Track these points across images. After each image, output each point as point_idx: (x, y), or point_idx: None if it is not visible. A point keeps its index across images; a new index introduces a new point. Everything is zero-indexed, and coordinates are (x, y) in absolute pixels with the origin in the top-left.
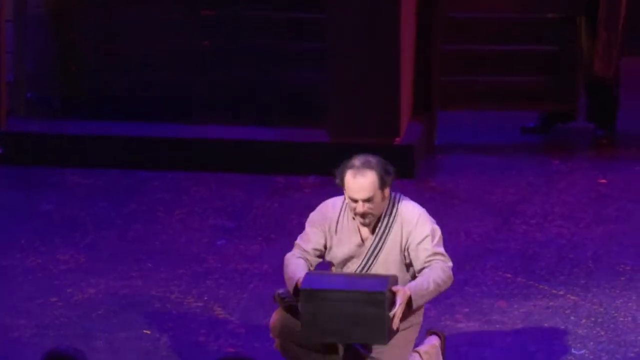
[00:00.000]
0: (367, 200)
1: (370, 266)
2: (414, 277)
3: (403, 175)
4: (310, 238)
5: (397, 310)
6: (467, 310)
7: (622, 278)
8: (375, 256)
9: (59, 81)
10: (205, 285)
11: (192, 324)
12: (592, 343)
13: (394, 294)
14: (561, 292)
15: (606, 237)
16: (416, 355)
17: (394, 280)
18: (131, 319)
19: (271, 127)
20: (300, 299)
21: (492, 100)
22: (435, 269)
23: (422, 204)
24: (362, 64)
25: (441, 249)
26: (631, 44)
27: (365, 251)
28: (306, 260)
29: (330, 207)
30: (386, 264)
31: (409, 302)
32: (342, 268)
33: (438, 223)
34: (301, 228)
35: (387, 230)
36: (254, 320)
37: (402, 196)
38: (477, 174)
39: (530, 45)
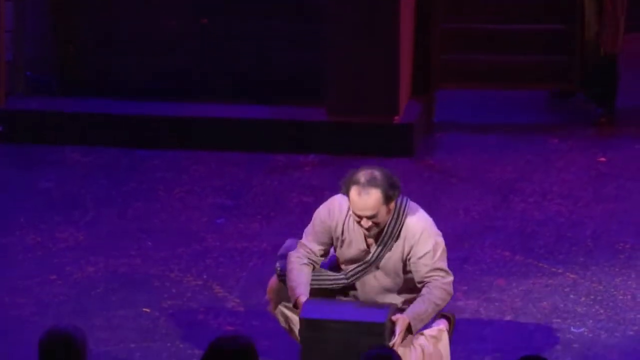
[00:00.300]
0: (372, 217)
1: (368, 271)
2: (411, 281)
3: (402, 153)
4: (316, 237)
5: (397, 339)
6: (465, 288)
7: (622, 256)
8: (376, 264)
9: (58, 60)
10: (204, 263)
11: (192, 302)
12: (591, 321)
13: (393, 323)
14: (560, 271)
15: (605, 215)
16: (422, 337)
17: (393, 309)
18: (130, 297)
19: (271, 105)
20: (300, 328)
21: (492, 79)
22: (433, 290)
23: (421, 182)
24: (361, 43)
25: (442, 264)
26: (630, 19)
27: (368, 258)
28: (310, 264)
29: (337, 207)
30: (385, 269)
31: (408, 327)
32: (347, 267)
33: (437, 201)
34: (301, 206)
35: (390, 241)
36: (253, 298)
37: (408, 204)
38: (476, 152)
39: (531, 24)
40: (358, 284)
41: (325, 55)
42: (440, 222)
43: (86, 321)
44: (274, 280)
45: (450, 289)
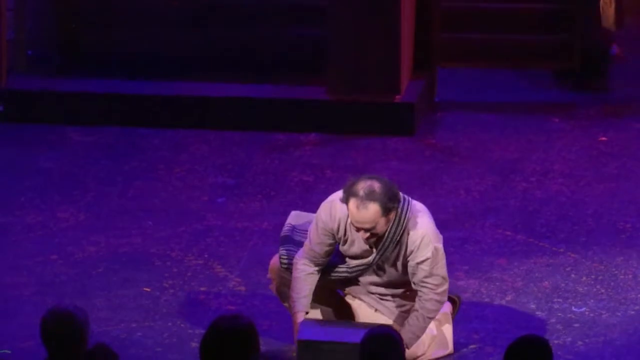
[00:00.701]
0: (370, 229)
1: (370, 269)
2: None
3: (403, 132)
4: (320, 240)
5: None
6: (467, 268)
7: (623, 236)
8: (380, 266)
9: (60, 38)
10: (205, 243)
11: (192, 282)
12: (592, 301)
13: None
14: (561, 250)
15: (607, 195)
16: None
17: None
18: (131, 277)
19: (271, 84)
20: (297, 349)
21: (493, 58)
22: (426, 304)
23: (422, 161)
24: (362, 21)
25: (441, 271)
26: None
27: (369, 259)
28: (316, 272)
29: (338, 207)
30: (386, 268)
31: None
32: (350, 261)
33: (438, 180)
34: (301, 186)
35: (390, 246)
36: (254, 278)
37: (410, 208)
38: (477, 132)
39: (532, 3)
40: (360, 278)
41: (327, 34)
42: (441, 201)
43: (87, 301)
44: (275, 260)
45: (445, 297)
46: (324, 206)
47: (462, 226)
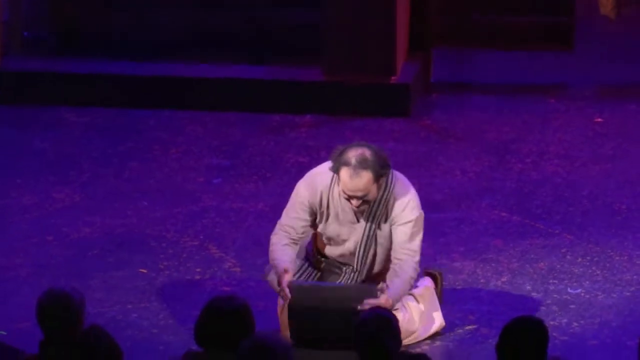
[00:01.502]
0: (363, 197)
1: (369, 247)
2: None
3: (398, 113)
4: (296, 214)
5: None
6: (462, 249)
7: (618, 217)
8: (374, 237)
9: (55, 20)
10: (201, 224)
11: (188, 263)
12: (588, 282)
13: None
14: (557, 231)
15: (602, 176)
16: (410, 297)
17: (377, 288)
18: (127, 258)
19: (266, 65)
20: (291, 295)
21: (489, 39)
22: (407, 268)
23: (418, 142)
24: (358, 2)
25: (418, 239)
26: None
27: (362, 233)
28: (292, 243)
29: (319, 181)
30: (384, 241)
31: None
32: (333, 243)
33: (434, 161)
34: (297, 167)
35: (379, 213)
36: (249, 259)
37: (395, 176)
38: (473, 113)
39: None
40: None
41: (322, 15)
42: (436, 182)
43: (83, 282)
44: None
45: (418, 267)
46: (303, 182)
47: (458, 207)
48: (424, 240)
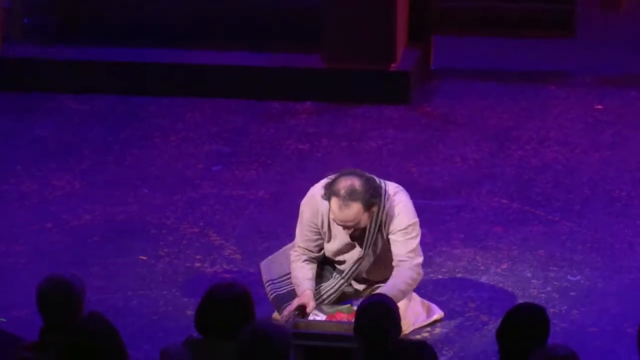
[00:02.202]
0: (352, 227)
1: (364, 264)
2: None
3: (398, 100)
4: (307, 236)
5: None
6: (462, 236)
7: (618, 204)
8: (371, 254)
9: (56, 6)
10: (201, 211)
11: (188, 249)
12: (588, 269)
13: None
14: (557, 218)
15: (602, 163)
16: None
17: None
18: (127, 245)
19: (267, 52)
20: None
21: (490, 27)
22: (403, 270)
23: (418, 129)
24: None
25: (414, 243)
26: None
27: (359, 254)
28: (310, 260)
29: (319, 200)
30: (382, 253)
31: None
32: (335, 259)
33: (434, 148)
34: (297, 154)
35: (375, 233)
36: (249, 246)
37: (387, 191)
38: (473, 100)
39: None
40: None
41: (322, 2)
42: (437, 169)
43: (83, 269)
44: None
45: (420, 270)
46: (306, 201)
47: (458, 194)
48: (424, 227)
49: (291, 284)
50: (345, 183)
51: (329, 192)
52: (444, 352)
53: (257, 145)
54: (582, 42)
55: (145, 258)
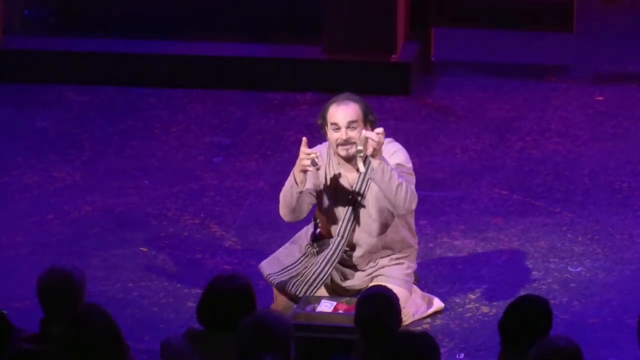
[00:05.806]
0: (351, 124)
1: (360, 202)
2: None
3: (399, 92)
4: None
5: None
6: (463, 227)
7: (619, 195)
8: (364, 194)
9: None
10: (201, 202)
11: (189, 241)
12: (588, 260)
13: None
14: (558, 210)
15: (603, 154)
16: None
17: None
18: (127, 237)
19: (267, 43)
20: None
21: (491, 20)
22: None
23: (418, 121)
24: None
25: (410, 177)
26: None
27: (354, 190)
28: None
29: (318, 146)
30: (376, 201)
31: (374, 152)
32: (328, 213)
33: (434, 140)
34: (297, 145)
35: (369, 166)
36: (250, 237)
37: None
38: (473, 91)
39: None
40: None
41: None
42: (437, 160)
43: (83, 261)
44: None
45: (415, 195)
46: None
47: (459, 185)
48: (424, 218)
49: (292, 273)
50: (341, 95)
51: (325, 108)
52: (445, 343)
53: (258, 136)
54: (581, 36)
55: (145, 249)
